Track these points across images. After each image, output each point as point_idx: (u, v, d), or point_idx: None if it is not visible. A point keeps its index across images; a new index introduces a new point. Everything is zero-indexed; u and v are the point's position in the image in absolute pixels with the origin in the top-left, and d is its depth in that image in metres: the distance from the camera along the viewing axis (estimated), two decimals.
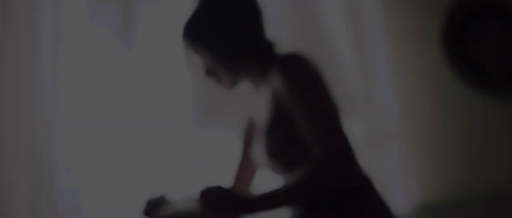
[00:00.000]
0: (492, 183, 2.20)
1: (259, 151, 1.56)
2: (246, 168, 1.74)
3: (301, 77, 1.44)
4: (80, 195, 1.96)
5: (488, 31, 2.27)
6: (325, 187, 1.36)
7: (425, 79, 2.31)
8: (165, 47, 2.15)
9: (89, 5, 2.11)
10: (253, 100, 1.68)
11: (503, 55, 2.24)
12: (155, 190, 1.66)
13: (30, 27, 2.01)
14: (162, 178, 2.03)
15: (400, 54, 2.32)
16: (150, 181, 2.01)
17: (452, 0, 2.29)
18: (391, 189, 2.10)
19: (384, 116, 2.16)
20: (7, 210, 1.85)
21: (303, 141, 1.45)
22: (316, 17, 2.17)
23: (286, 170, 1.49)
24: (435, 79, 2.30)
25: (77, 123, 2.01)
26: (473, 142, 2.24)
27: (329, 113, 1.41)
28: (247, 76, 1.60)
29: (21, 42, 2.00)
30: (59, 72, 2.02)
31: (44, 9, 2.03)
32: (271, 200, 1.38)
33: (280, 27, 2.12)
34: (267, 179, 1.74)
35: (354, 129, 2.07)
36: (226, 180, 1.71)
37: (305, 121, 1.40)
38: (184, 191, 1.61)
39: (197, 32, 1.57)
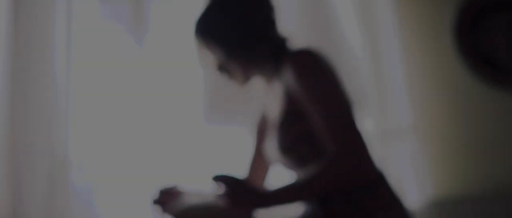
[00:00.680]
0: (505, 178, 2.19)
1: (271, 147, 1.56)
2: (259, 164, 1.74)
3: (313, 72, 1.44)
4: (93, 192, 1.97)
5: (501, 25, 2.26)
6: (337, 183, 1.36)
7: (438, 74, 2.30)
8: (177, 44, 2.16)
9: (101, 2, 2.12)
10: (266, 96, 1.68)
11: None
12: (156, 192, 1.66)
13: (43, 24, 2.03)
14: (174, 175, 2.04)
15: (412, 49, 2.31)
16: (162, 178, 2.01)
17: None
18: (404, 184, 2.09)
19: (396, 111, 2.15)
20: (22, 207, 1.86)
21: (315, 136, 1.45)
22: (328, 12, 2.16)
23: (299, 166, 1.49)
24: (448, 74, 2.29)
25: (90, 120, 2.02)
26: (486, 136, 2.23)
27: (341, 108, 1.41)
28: (259, 72, 1.60)
29: (35, 40, 2.01)
30: (72, 69, 2.03)
31: (57, 6, 2.04)
32: (284, 194, 1.39)
33: (292, 22, 2.11)
34: (280, 175, 1.75)
35: (367, 124, 2.07)
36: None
37: (318, 116, 1.40)
38: (197, 188, 1.61)
39: (209, 28, 1.57)
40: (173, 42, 2.16)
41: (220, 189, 1.39)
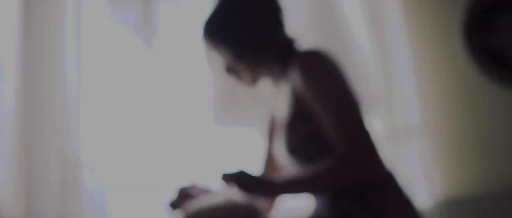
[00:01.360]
0: None
1: (279, 148, 1.57)
2: (272, 165, 1.75)
3: (320, 73, 1.44)
4: (105, 194, 1.98)
5: (510, 23, 2.25)
6: (344, 182, 1.38)
7: (447, 73, 2.29)
8: (185, 45, 2.16)
9: (111, 5, 2.13)
10: (273, 97, 1.68)
11: None
12: (175, 188, 1.68)
13: (53, 28, 2.04)
14: (185, 176, 2.04)
15: (421, 48, 2.31)
16: (173, 179, 2.02)
17: None
18: (413, 184, 2.09)
19: (405, 110, 2.15)
20: (35, 209, 1.87)
21: (323, 137, 1.45)
22: (336, 12, 2.16)
23: (307, 166, 1.50)
24: (456, 73, 2.28)
25: (101, 122, 2.03)
26: (496, 136, 2.23)
27: (348, 109, 1.41)
28: (267, 73, 1.61)
29: (45, 44, 2.02)
30: (82, 72, 2.04)
31: (66, 9, 2.05)
32: (291, 186, 1.42)
33: (300, 23, 2.12)
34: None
35: (375, 124, 2.07)
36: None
37: (325, 117, 1.41)
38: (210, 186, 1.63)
39: (217, 30, 1.58)
40: (181, 44, 2.17)
41: (229, 186, 1.42)
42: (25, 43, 2.00)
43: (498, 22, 2.26)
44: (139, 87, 2.11)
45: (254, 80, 1.61)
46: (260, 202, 1.48)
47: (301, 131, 1.47)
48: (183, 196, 1.59)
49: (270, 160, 1.74)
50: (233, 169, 1.44)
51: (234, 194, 1.44)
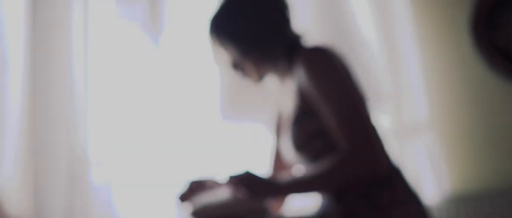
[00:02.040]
0: None
1: (285, 144, 1.57)
2: (281, 161, 1.75)
3: (325, 70, 1.45)
4: (112, 190, 1.98)
5: None
6: (349, 179, 1.38)
7: (454, 68, 2.29)
8: (192, 42, 2.17)
9: (118, 2, 2.13)
10: (280, 93, 1.69)
11: None
12: (185, 183, 1.69)
13: (60, 24, 2.04)
14: (192, 172, 2.05)
15: (428, 44, 2.30)
16: (180, 175, 2.03)
17: None
18: (421, 180, 2.09)
19: (413, 106, 2.15)
20: (43, 206, 1.88)
21: (329, 133, 1.45)
22: (343, 8, 2.15)
23: (313, 163, 1.50)
24: (464, 68, 2.27)
25: (108, 119, 2.04)
26: (504, 131, 2.22)
27: (353, 106, 1.41)
28: (273, 69, 1.61)
29: (52, 40, 2.03)
30: (89, 69, 2.04)
31: (74, 6, 2.06)
32: (295, 186, 1.44)
33: (306, 20, 2.11)
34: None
35: (382, 120, 2.06)
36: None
37: (329, 113, 1.41)
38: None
39: (223, 27, 1.58)
40: (188, 40, 2.17)
41: (236, 189, 1.43)
42: (33, 40, 2.00)
43: (506, 18, 2.25)
44: (146, 83, 2.11)
45: (260, 76, 1.61)
46: (270, 200, 1.48)
47: (307, 127, 1.47)
48: (193, 189, 1.60)
49: (278, 157, 1.75)
50: (239, 171, 1.45)
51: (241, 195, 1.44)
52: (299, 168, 1.57)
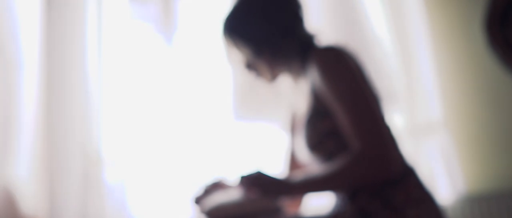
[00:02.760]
0: None
1: (300, 144, 1.57)
2: (296, 160, 1.75)
3: (338, 69, 1.45)
4: (126, 189, 1.99)
5: None
6: (360, 179, 1.39)
7: (468, 67, 2.27)
8: (206, 41, 2.17)
9: (131, 2, 2.14)
10: (293, 93, 1.69)
11: None
12: (199, 183, 1.69)
13: (74, 24, 2.06)
14: (205, 171, 2.06)
15: (441, 42, 2.29)
16: (194, 175, 2.03)
17: None
18: (435, 180, 2.08)
19: (426, 105, 2.14)
20: (58, 204, 1.90)
21: (343, 133, 1.45)
22: (356, 7, 2.15)
23: (327, 162, 1.50)
24: (478, 67, 2.26)
25: (122, 118, 2.05)
26: None
27: (366, 106, 1.41)
28: (287, 69, 1.61)
29: (67, 40, 2.04)
30: (103, 68, 2.06)
31: (88, 7, 2.07)
32: (308, 185, 1.44)
33: (319, 19, 2.11)
34: None
35: (396, 119, 2.06)
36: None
37: (342, 113, 1.41)
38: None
39: (236, 27, 1.58)
40: (201, 39, 2.18)
41: (248, 189, 1.43)
42: (47, 40, 2.02)
43: None
44: (159, 83, 2.12)
45: (273, 76, 1.61)
46: (283, 200, 1.48)
47: (321, 127, 1.47)
48: (209, 192, 1.61)
49: (293, 156, 1.75)
50: (250, 171, 1.45)
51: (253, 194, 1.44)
52: (313, 167, 1.57)
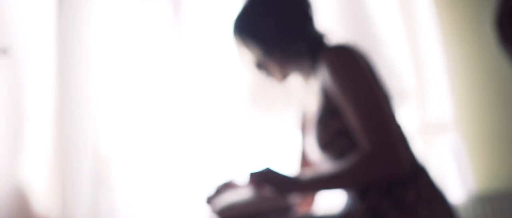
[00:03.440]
0: None
1: (311, 143, 1.57)
2: (307, 159, 1.75)
3: (348, 69, 1.45)
4: (137, 188, 2.00)
5: None
6: (370, 178, 1.39)
7: (479, 66, 2.27)
8: (216, 39, 2.17)
9: (141, 1, 2.15)
10: (304, 92, 1.69)
11: None
12: (210, 182, 1.70)
13: (84, 22, 2.06)
14: (215, 170, 2.06)
15: (452, 41, 2.28)
16: (205, 174, 2.04)
17: None
18: (446, 179, 2.08)
19: (437, 104, 2.14)
20: (69, 204, 1.91)
21: (353, 132, 1.45)
22: (366, 5, 2.15)
23: (338, 161, 1.50)
24: (489, 66, 2.25)
25: (132, 117, 2.05)
26: None
27: (376, 104, 1.41)
28: (297, 69, 1.61)
29: (77, 39, 2.05)
30: (114, 67, 2.06)
31: (98, 5, 2.07)
32: (317, 184, 1.45)
33: (329, 18, 2.11)
34: None
35: (407, 119, 2.05)
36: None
37: (352, 112, 1.41)
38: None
39: (246, 27, 1.59)
40: (211, 38, 2.18)
41: (257, 185, 1.44)
42: (58, 40, 2.02)
43: None
44: (169, 81, 2.12)
45: (284, 76, 1.61)
46: (292, 198, 1.49)
47: (332, 126, 1.47)
48: (220, 192, 1.62)
49: (305, 155, 1.75)
50: (260, 167, 1.46)
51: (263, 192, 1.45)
52: (323, 166, 1.57)
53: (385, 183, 1.41)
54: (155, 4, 2.15)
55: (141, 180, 2.02)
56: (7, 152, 1.78)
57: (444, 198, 1.47)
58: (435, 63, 2.16)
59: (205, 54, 2.18)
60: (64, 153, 1.93)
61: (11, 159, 1.79)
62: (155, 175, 2.05)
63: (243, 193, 1.50)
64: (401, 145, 1.40)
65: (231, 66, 2.14)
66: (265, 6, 1.59)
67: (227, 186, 1.63)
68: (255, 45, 1.57)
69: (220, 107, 2.15)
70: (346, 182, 1.42)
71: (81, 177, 1.93)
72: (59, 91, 1.97)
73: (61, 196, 1.90)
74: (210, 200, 1.60)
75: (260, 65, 1.62)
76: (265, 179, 1.44)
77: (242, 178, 1.65)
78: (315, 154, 1.56)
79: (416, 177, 1.45)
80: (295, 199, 1.50)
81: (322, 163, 1.56)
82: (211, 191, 1.63)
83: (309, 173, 1.47)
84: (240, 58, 1.67)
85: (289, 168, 1.80)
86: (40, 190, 1.84)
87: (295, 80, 1.67)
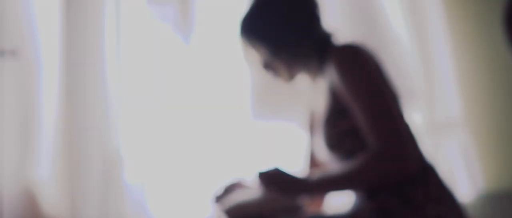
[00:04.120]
0: None
1: (319, 143, 1.57)
2: (316, 159, 1.75)
3: (356, 68, 1.44)
4: (146, 190, 2.00)
5: None
6: (378, 178, 1.38)
7: (487, 64, 2.26)
8: (223, 41, 2.17)
9: (149, 2, 2.15)
10: (312, 92, 1.69)
11: None
12: (218, 184, 1.70)
13: (93, 24, 2.07)
14: (224, 171, 2.06)
15: (460, 39, 2.27)
16: (212, 174, 2.04)
17: None
18: (454, 177, 2.07)
19: (446, 103, 2.13)
20: (78, 205, 1.91)
21: (362, 131, 1.45)
22: (374, 5, 2.14)
23: (346, 161, 1.50)
24: (497, 64, 2.24)
25: (141, 118, 2.06)
26: None
27: (384, 103, 1.41)
28: (305, 68, 1.61)
29: (85, 41, 2.06)
30: (122, 69, 2.07)
31: (106, 7, 2.08)
32: (326, 184, 1.44)
33: (337, 17, 2.10)
34: None
35: (415, 117, 2.05)
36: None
37: (360, 112, 1.41)
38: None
39: (253, 28, 1.59)
40: (219, 39, 2.18)
41: (265, 185, 1.43)
42: (66, 40, 2.03)
43: None
44: (177, 82, 2.13)
45: (291, 76, 1.61)
46: (301, 198, 1.49)
47: (340, 126, 1.47)
48: (229, 191, 1.62)
49: (313, 155, 1.75)
50: (268, 168, 1.46)
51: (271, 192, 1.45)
52: (331, 166, 1.57)
53: (394, 182, 1.40)
54: (163, 6, 2.16)
55: (150, 181, 2.02)
56: (16, 153, 1.80)
57: (453, 197, 1.46)
58: (443, 62, 2.15)
59: (213, 55, 2.18)
60: (73, 154, 1.94)
61: (21, 160, 1.80)
62: (164, 176, 2.05)
63: (252, 193, 1.50)
64: (409, 144, 1.39)
65: (239, 67, 2.14)
66: (272, 7, 1.59)
67: (235, 186, 1.63)
68: (262, 45, 1.57)
69: (228, 107, 2.15)
70: (355, 183, 1.42)
71: (90, 178, 1.94)
72: (68, 92, 1.98)
73: (70, 197, 1.91)
74: (218, 199, 1.60)
75: (268, 66, 1.62)
76: (273, 180, 1.44)
77: (250, 178, 1.65)
78: (323, 154, 1.56)
79: (425, 176, 1.45)
80: (304, 199, 1.50)
81: (330, 163, 1.56)
82: (220, 190, 1.63)
83: (317, 174, 1.47)
84: (247, 59, 1.67)
85: (298, 168, 1.80)
86: (49, 190, 1.84)
87: (303, 80, 1.67)
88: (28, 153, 1.81)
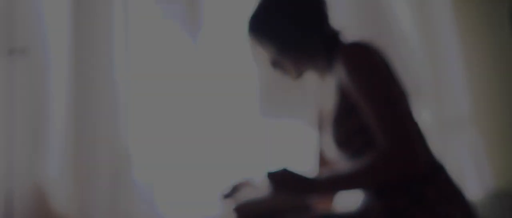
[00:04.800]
0: None
1: (327, 141, 1.57)
2: (325, 158, 1.75)
3: (365, 66, 1.44)
4: (155, 188, 2.01)
5: None
6: (386, 177, 1.38)
7: (496, 62, 2.25)
8: (231, 39, 2.18)
9: (157, 1, 2.16)
10: (320, 90, 1.69)
11: None
12: (226, 183, 1.71)
13: (101, 23, 2.07)
14: (233, 170, 2.06)
15: (469, 37, 2.27)
16: (221, 174, 2.04)
17: None
18: (464, 176, 2.07)
19: (455, 101, 2.12)
20: (88, 203, 1.92)
21: (370, 130, 1.45)
22: (382, 3, 2.14)
23: (355, 159, 1.49)
24: (506, 61, 2.24)
25: (150, 117, 2.06)
26: None
27: (393, 102, 1.40)
28: (312, 66, 1.61)
29: (94, 39, 2.06)
30: (131, 67, 2.07)
31: (114, 6, 2.09)
32: (334, 184, 1.43)
33: (345, 15, 2.10)
34: None
35: (424, 115, 2.04)
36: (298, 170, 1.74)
37: (369, 110, 1.40)
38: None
39: (261, 26, 1.59)
40: (227, 37, 2.18)
41: (273, 185, 1.43)
42: (75, 39, 2.04)
43: None
44: (185, 81, 2.13)
45: (299, 74, 1.61)
46: (309, 197, 1.48)
47: (349, 124, 1.47)
48: (237, 190, 1.62)
49: (323, 154, 1.75)
50: (276, 168, 1.45)
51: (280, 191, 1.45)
52: (340, 165, 1.56)
53: (403, 181, 1.40)
54: (171, 4, 2.16)
55: (159, 178, 2.03)
56: (26, 151, 1.81)
57: (462, 195, 1.46)
58: (452, 60, 2.15)
59: (221, 54, 2.18)
60: (83, 152, 1.95)
61: (31, 158, 1.81)
62: (173, 174, 2.06)
63: (260, 192, 1.50)
64: (418, 143, 1.39)
65: (247, 65, 2.14)
66: (280, 5, 1.59)
67: (243, 184, 1.64)
68: (270, 43, 1.57)
69: (237, 106, 2.15)
70: (364, 182, 1.41)
71: (100, 176, 1.94)
72: (78, 90, 1.99)
73: (80, 195, 1.92)
74: (227, 198, 1.61)
75: (276, 64, 1.62)
76: (282, 180, 1.44)
77: (259, 178, 1.65)
78: (332, 152, 1.56)
79: (434, 175, 1.44)
80: (313, 199, 1.50)
81: (339, 162, 1.56)
82: (228, 189, 1.63)
83: (326, 173, 1.47)
84: (255, 57, 1.67)
85: (307, 166, 1.80)
86: (59, 189, 1.85)
87: (311, 78, 1.67)
88: (38, 151, 1.82)
